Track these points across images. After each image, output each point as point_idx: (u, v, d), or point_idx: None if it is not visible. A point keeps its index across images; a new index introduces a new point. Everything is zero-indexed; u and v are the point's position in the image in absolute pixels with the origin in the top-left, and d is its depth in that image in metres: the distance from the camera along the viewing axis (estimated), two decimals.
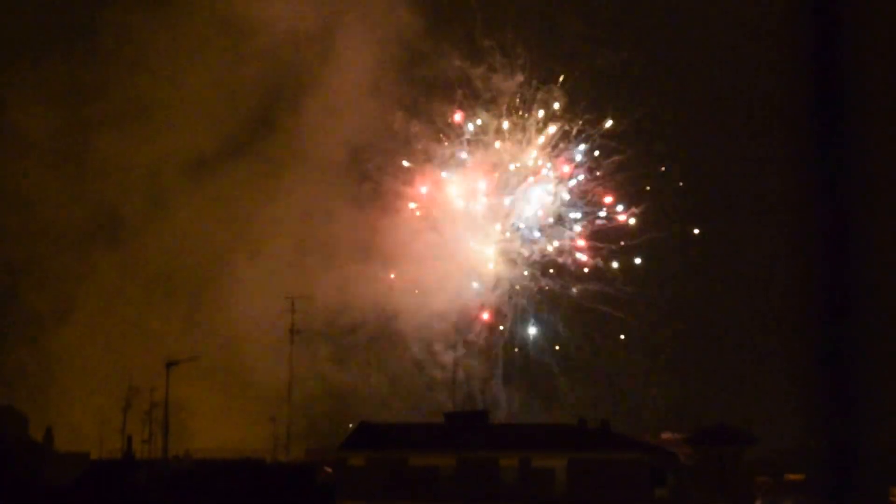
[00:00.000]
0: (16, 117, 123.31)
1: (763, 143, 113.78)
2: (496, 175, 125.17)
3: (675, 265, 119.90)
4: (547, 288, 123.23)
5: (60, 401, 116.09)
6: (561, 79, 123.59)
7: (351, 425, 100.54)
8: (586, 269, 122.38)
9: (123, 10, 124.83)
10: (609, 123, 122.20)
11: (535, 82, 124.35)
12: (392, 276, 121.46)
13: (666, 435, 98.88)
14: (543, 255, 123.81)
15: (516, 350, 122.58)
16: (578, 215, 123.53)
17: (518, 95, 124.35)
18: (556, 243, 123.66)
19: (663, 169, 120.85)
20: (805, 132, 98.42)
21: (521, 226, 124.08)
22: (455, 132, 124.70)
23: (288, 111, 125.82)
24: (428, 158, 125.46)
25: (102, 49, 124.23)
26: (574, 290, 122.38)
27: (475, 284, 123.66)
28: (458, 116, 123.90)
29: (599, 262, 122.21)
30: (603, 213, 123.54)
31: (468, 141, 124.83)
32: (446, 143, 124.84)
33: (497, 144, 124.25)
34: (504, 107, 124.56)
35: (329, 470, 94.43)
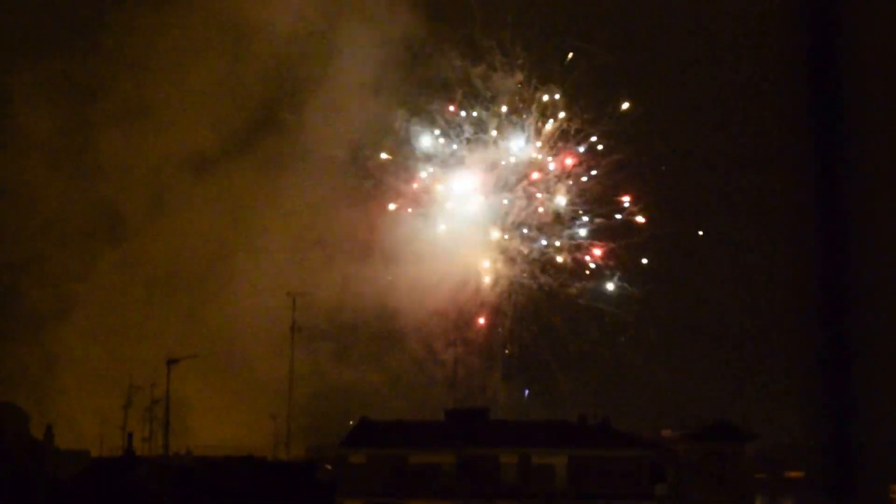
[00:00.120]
0: (18, 115, 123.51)
1: (764, 144, 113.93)
2: (495, 173, 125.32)
3: (675, 263, 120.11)
4: (546, 286, 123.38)
5: (61, 398, 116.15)
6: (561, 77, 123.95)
7: (351, 423, 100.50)
8: (590, 269, 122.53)
9: (126, 9, 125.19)
10: (625, 106, 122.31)
11: (534, 81, 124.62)
12: (390, 278, 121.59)
13: (666, 432, 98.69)
14: (543, 253, 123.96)
15: (516, 348, 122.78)
16: (582, 215, 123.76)
17: (518, 94, 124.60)
18: (556, 242, 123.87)
19: (663, 168, 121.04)
20: (806, 133, 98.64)
21: (524, 231, 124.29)
22: (455, 130, 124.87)
23: (289, 110, 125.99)
24: (428, 157, 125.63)
25: (105, 48, 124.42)
26: (573, 287, 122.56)
27: (474, 283, 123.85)
28: (451, 108, 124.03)
29: (602, 261, 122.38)
30: (600, 212, 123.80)
31: (467, 140, 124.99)
32: (446, 142, 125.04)
33: (494, 133, 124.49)
34: (503, 105, 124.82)
35: (329, 467, 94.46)
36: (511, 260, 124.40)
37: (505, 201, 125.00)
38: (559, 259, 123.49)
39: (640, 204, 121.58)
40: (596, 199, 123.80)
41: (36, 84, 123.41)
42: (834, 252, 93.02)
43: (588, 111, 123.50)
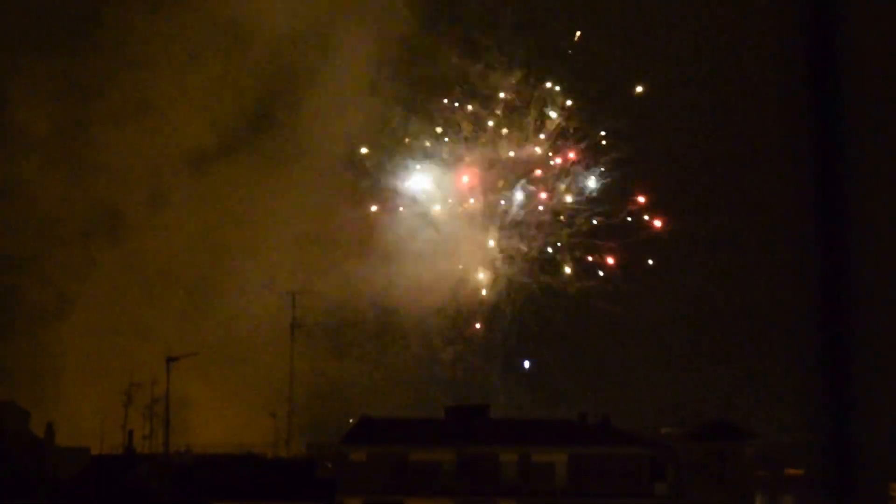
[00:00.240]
0: (17, 113, 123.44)
1: (764, 143, 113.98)
2: (494, 171, 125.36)
3: (675, 262, 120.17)
4: (546, 285, 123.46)
5: (61, 396, 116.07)
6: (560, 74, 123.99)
7: (351, 420, 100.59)
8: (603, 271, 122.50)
9: (124, 6, 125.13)
10: (639, 89, 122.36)
11: (532, 80, 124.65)
12: (389, 276, 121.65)
13: (666, 430, 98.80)
14: (542, 252, 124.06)
15: (516, 347, 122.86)
16: (583, 213, 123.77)
17: (517, 92, 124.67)
18: (557, 241, 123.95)
19: (667, 165, 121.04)
20: (807, 133, 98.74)
21: (523, 229, 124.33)
22: (454, 128, 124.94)
23: (287, 108, 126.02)
24: (427, 155, 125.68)
25: (103, 46, 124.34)
26: (573, 286, 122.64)
27: (473, 281, 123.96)
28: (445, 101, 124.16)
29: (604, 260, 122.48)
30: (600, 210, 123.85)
31: (466, 138, 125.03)
32: (445, 140, 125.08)
33: (493, 130, 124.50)
34: (502, 102, 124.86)
35: (330, 465, 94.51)
36: (510, 258, 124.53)
37: (503, 202, 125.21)
38: (559, 258, 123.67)
39: (655, 205, 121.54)
40: (596, 197, 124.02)
41: (34, 82, 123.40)
42: (834, 252, 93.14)
43: (588, 108, 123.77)
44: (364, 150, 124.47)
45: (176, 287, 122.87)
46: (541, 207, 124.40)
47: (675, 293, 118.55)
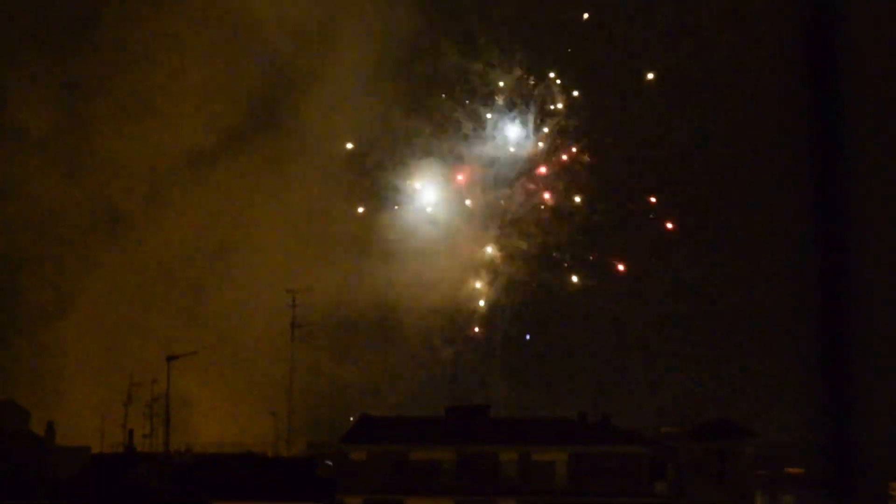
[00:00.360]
0: (16, 112, 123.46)
1: (764, 142, 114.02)
2: (493, 169, 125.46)
3: (676, 260, 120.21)
4: (546, 283, 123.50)
5: (62, 395, 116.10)
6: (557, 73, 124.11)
7: (352, 419, 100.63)
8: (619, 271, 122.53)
9: (124, 6, 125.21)
10: (650, 76, 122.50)
11: (532, 78, 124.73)
12: (389, 275, 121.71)
13: (666, 429, 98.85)
14: (542, 250, 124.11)
15: (516, 344, 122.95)
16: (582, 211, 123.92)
17: (516, 89, 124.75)
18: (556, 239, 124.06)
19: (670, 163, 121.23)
20: (806, 133, 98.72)
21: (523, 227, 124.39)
22: (454, 126, 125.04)
23: (287, 107, 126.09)
24: (426, 153, 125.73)
25: (103, 44, 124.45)
26: (573, 284, 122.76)
27: (472, 279, 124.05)
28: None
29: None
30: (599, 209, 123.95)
31: (465, 136, 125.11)
32: (444, 138, 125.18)
33: (493, 128, 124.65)
34: (501, 100, 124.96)
35: (330, 464, 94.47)
36: (510, 256, 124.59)
37: (501, 201, 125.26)
38: (558, 256, 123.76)
39: (666, 206, 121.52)
40: (595, 196, 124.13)
41: (33, 81, 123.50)
42: (834, 252, 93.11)
43: (587, 108, 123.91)
44: (349, 146, 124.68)
45: (176, 286, 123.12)
46: (542, 206, 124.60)
47: (675, 293, 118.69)
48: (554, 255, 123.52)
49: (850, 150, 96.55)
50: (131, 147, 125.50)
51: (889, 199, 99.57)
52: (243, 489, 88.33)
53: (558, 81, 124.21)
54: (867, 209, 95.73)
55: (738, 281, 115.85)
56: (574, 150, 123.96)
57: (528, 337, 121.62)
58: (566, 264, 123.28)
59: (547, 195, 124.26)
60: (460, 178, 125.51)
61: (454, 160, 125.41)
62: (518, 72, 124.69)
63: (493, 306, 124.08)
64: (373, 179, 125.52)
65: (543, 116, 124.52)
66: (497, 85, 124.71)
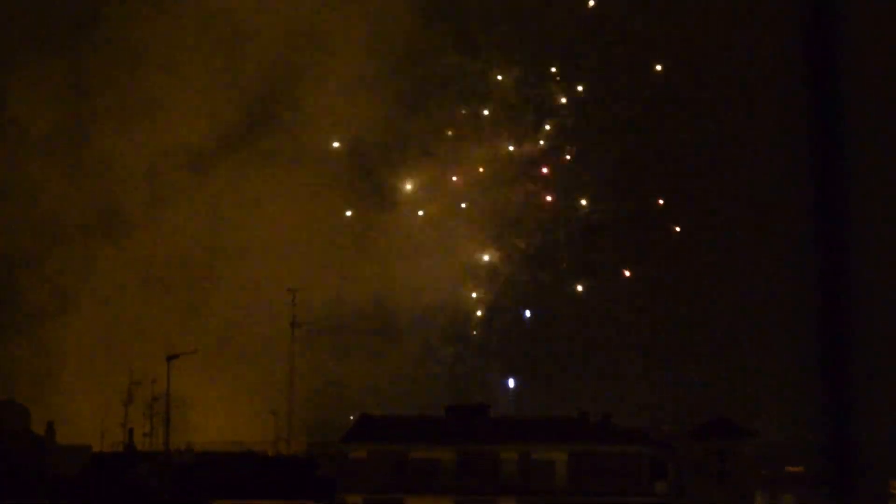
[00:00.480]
0: (16, 112, 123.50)
1: (764, 142, 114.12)
2: (493, 168, 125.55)
3: (676, 260, 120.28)
4: (545, 282, 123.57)
5: (62, 394, 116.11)
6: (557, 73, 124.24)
7: (352, 418, 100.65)
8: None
9: (123, 5, 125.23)
10: (658, 67, 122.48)
11: (531, 78, 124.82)
12: (389, 274, 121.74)
13: (666, 429, 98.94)
14: (541, 249, 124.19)
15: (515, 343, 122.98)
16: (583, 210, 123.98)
17: (516, 90, 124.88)
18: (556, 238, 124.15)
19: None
20: (807, 133, 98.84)
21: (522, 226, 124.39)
22: (453, 126, 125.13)
23: (287, 107, 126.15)
24: (425, 153, 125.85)
25: (102, 44, 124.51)
26: (577, 288, 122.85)
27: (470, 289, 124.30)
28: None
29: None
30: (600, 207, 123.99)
31: (465, 135, 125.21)
32: (444, 137, 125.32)
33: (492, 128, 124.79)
34: (501, 101, 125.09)
35: (330, 462, 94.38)
36: (509, 256, 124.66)
37: (500, 201, 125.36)
38: (559, 255, 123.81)
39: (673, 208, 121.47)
40: (596, 194, 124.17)
41: (33, 80, 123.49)
42: (834, 252, 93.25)
43: (587, 107, 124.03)
44: (336, 145, 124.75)
45: (176, 285, 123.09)
46: (542, 207, 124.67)
47: (675, 293, 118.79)
48: (559, 255, 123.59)
49: (850, 150, 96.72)
50: (131, 147, 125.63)
51: (889, 199, 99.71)
52: (243, 488, 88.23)
53: (558, 78, 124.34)
54: (867, 209, 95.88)
55: (738, 281, 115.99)
56: (574, 149, 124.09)
57: (527, 314, 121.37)
58: (564, 265, 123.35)
59: (549, 197, 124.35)
60: (455, 178, 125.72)
61: (453, 159, 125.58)
62: (517, 71, 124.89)
63: (491, 307, 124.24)
64: (372, 179, 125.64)
65: (543, 115, 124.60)
66: (496, 84, 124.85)
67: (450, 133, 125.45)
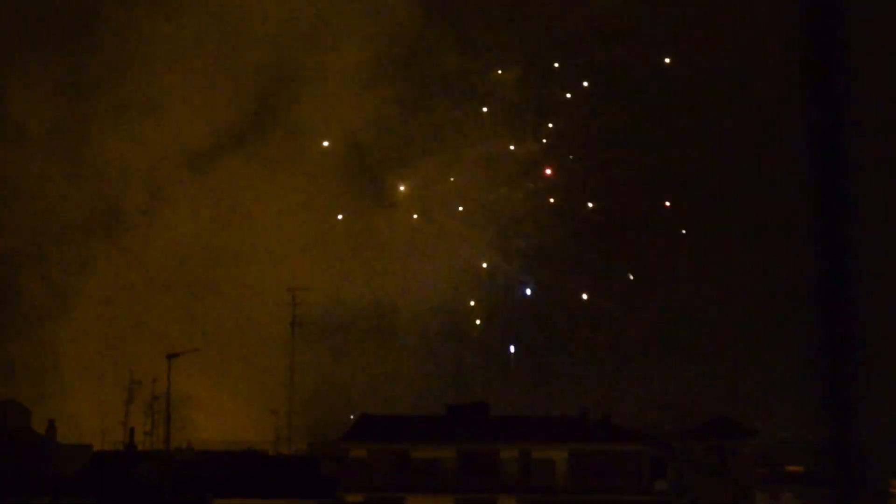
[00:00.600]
0: (15, 111, 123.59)
1: (764, 142, 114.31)
2: (493, 167, 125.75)
3: (676, 260, 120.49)
4: (545, 282, 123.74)
5: (62, 393, 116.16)
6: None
7: (352, 417, 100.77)
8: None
9: (122, 4, 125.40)
10: (667, 60, 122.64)
11: (532, 77, 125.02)
12: (389, 274, 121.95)
13: (667, 427, 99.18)
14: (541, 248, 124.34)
15: (515, 342, 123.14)
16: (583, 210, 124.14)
17: (515, 90, 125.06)
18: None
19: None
20: (807, 133, 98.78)
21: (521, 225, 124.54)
22: (453, 126, 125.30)
23: (287, 107, 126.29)
24: (425, 153, 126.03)
25: (103, 45, 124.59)
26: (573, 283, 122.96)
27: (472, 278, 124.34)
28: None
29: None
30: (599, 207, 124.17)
31: (464, 135, 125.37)
32: (443, 137, 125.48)
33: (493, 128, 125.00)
34: (501, 101, 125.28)
35: (331, 461, 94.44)
36: (509, 256, 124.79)
37: (500, 201, 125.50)
38: (558, 255, 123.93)
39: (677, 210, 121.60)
40: (596, 193, 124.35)
41: (33, 80, 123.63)
42: (834, 251, 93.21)
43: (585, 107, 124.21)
44: (325, 144, 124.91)
45: (176, 284, 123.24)
46: (542, 207, 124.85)
47: (675, 291, 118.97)
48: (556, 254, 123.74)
49: (850, 150, 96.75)
50: (131, 146, 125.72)
51: (889, 200, 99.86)
52: (244, 487, 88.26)
53: (558, 78, 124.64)
54: (868, 209, 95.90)
55: (738, 280, 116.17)
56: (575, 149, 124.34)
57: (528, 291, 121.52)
58: (565, 265, 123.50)
59: (552, 199, 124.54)
60: (452, 179, 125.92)
61: (452, 160, 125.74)
62: (517, 71, 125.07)
63: (490, 309, 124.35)
64: (372, 179, 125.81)
65: (544, 115, 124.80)
66: (496, 84, 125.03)
67: (450, 133, 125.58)
